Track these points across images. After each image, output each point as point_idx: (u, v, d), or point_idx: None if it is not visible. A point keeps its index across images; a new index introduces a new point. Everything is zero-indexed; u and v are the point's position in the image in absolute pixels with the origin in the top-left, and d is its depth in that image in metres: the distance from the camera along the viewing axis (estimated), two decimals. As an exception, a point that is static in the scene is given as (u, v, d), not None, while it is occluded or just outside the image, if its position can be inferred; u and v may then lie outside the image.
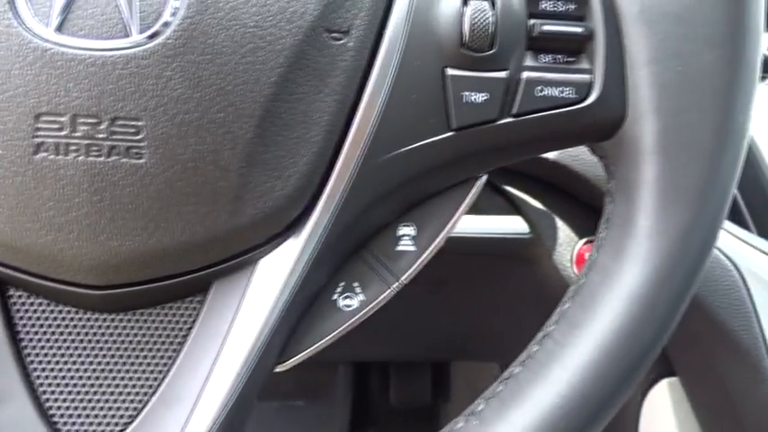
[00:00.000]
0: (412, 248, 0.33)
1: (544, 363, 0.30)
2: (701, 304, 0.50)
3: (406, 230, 0.33)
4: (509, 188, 0.58)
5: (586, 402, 0.29)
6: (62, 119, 0.27)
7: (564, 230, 0.58)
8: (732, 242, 0.50)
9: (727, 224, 0.51)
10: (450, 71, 0.30)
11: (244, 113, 0.28)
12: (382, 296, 0.32)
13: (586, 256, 0.57)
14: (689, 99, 0.29)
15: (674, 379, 0.58)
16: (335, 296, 0.32)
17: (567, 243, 0.58)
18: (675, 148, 0.29)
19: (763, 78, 0.57)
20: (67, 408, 0.30)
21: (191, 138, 0.28)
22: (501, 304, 0.72)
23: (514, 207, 0.58)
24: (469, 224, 0.59)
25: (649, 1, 0.30)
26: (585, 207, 0.58)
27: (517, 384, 0.30)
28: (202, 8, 0.27)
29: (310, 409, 1.27)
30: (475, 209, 0.63)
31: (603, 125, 0.31)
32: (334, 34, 0.29)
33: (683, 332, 0.54)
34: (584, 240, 0.57)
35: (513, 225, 0.59)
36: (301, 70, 0.29)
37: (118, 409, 0.30)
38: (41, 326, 0.30)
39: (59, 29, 0.27)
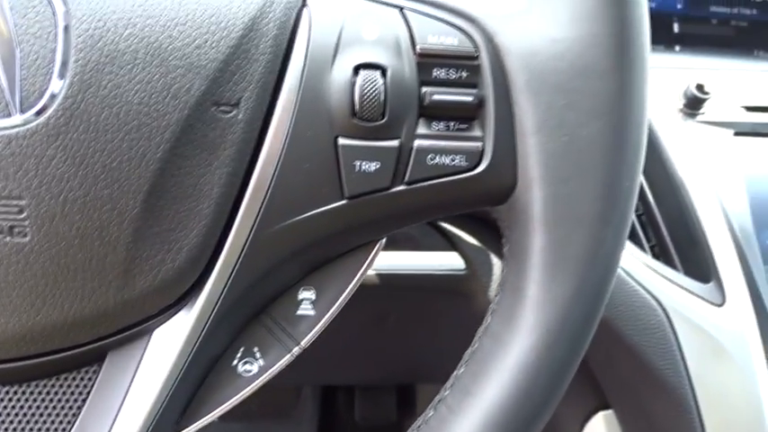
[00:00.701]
0: (311, 312, 0.33)
1: (436, 429, 0.30)
2: (627, 343, 0.50)
3: (306, 294, 0.33)
4: (445, 225, 0.59)
5: None
6: None
7: (499, 266, 0.58)
8: (658, 281, 0.51)
9: (654, 263, 0.52)
10: (342, 141, 0.30)
11: (130, 189, 0.28)
12: (282, 360, 0.33)
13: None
14: (573, 169, 0.30)
15: (609, 411, 0.59)
16: (235, 361, 0.32)
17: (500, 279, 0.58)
18: (561, 217, 0.30)
19: (692, 115, 0.59)
20: None
21: (76, 215, 0.28)
22: (445, 333, 0.72)
23: (451, 243, 0.59)
24: (407, 260, 0.60)
25: (536, 71, 0.30)
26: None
27: None
28: (84, 86, 0.27)
29: (276, 429, 1.26)
30: (412, 245, 0.63)
31: (495, 192, 0.31)
32: (222, 107, 0.29)
33: (613, 369, 0.55)
34: (519, 276, 0.58)
35: (450, 261, 0.59)
36: (189, 144, 0.29)
37: None
38: None
39: None
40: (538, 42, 0.31)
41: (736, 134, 0.57)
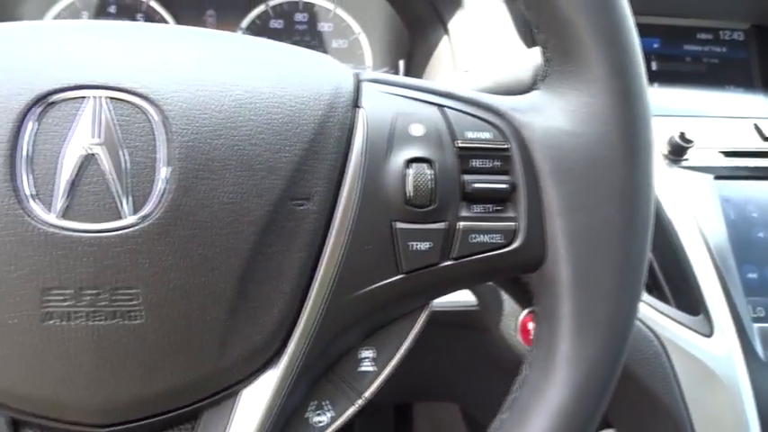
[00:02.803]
0: (372, 369, 0.38)
1: None
2: (628, 371, 0.56)
3: (367, 353, 0.38)
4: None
5: None
6: (67, 291, 0.32)
7: (508, 302, 0.64)
8: (654, 315, 0.57)
9: (649, 299, 0.58)
10: (398, 225, 0.35)
11: (224, 275, 0.33)
12: (348, 412, 0.38)
13: (529, 325, 0.63)
14: (593, 245, 0.35)
15: (611, 431, 0.64)
16: (308, 414, 0.37)
17: (511, 314, 0.64)
18: (584, 287, 0.35)
19: (676, 161, 0.65)
20: None
21: (180, 300, 0.33)
22: (447, 359, 0.78)
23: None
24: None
25: (558, 161, 0.36)
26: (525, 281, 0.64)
27: None
28: (184, 191, 0.32)
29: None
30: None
31: (528, 264, 0.37)
32: (297, 201, 0.34)
33: (615, 394, 0.61)
34: (526, 311, 0.64)
35: (462, 298, 0.65)
36: (271, 234, 0.34)
37: None
38: None
39: (62, 215, 0.32)
40: (558, 136, 0.36)
41: (717, 178, 0.64)
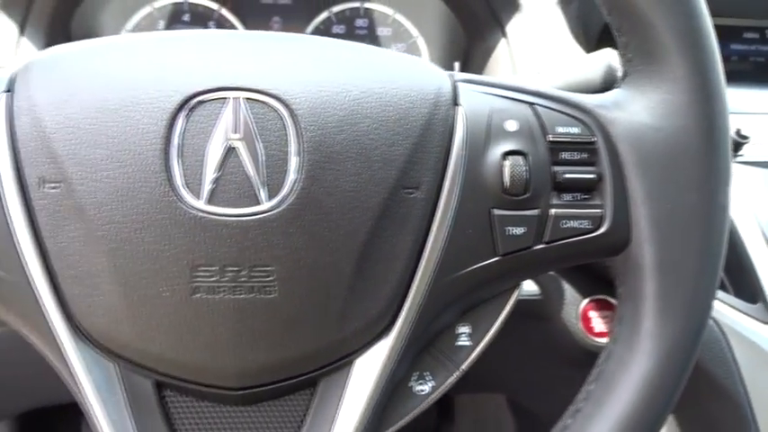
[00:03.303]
0: (468, 343, 0.42)
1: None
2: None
3: (464, 329, 0.42)
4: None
5: None
6: (213, 268, 0.36)
7: (570, 291, 0.67)
8: (714, 303, 0.60)
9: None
10: (496, 211, 0.39)
11: (346, 255, 0.37)
12: (447, 382, 0.42)
13: (590, 314, 0.66)
14: (675, 231, 0.39)
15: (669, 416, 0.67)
16: (411, 383, 0.41)
17: (572, 303, 0.67)
18: (667, 270, 0.39)
19: (733, 157, 0.68)
20: None
21: (308, 277, 0.37)
22: (508, 351, 0.81)
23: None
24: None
25: (642, 154, 0.39)
26: (587, 270, 0.67)
27: None
28: (312, 180, 0.36)
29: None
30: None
31: (613, 247, 0.40)
32: (407, 190, 0.38)
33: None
34: (587, 300, 0.67)
35: (525, 288, 0.68)
36: (385, 219, 0.38)
37: None
38: (191, 417, 0.39)
39: (208, 201, 0.36)
40: (641, 130, 0.40)
41: (772, 172, 0.66)
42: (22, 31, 0.74)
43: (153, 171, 0.35)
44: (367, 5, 0.87)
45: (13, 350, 0.64)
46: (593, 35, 0.89)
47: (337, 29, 0.88)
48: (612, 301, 0.65)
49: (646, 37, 0.40)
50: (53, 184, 0.36)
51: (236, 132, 0.36)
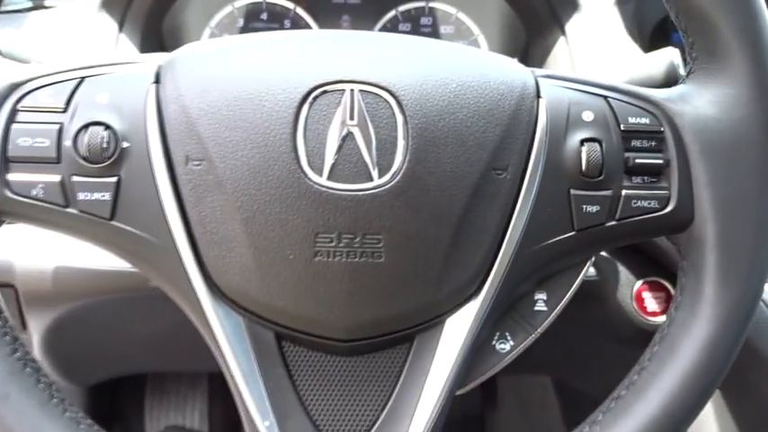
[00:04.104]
0: (544, 309, 0.47)
1: (643, 388, 0.44)
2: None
3: (540, 296, 0.48)
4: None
5: (674, 415, 0.43)
6: (332, 235, 0.42)
7: (624, 273, 0.72)
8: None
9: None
10: (573, 191, 0.45)
11: (443, 227, 0.43)
12: (525, 342, 0.47)
13: (644, 294, 0.71)
14: (736, 211, 0.44)
15: (716, 391, 0.72)
16: (494, 342, 0.47)
17: (626, 284, 0.72)
18: (728, 245, 0.44)
19: None
20: (328, 419, 0.45)
21: (411, 245, 0.43)
22: (558, 333, 0.86)
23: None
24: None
25: (705, 142, 0.44)
26: (641, 252, 0.72)
27: (625, 402, 0.44)
28: (416, 161, 0.42)
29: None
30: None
31: (678, 225, 0.45)
32: (497, 171, 0.44)
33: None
34: (641, 281, 0.72)
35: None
36: (477, 196, 0.43)
37: (360, 419, 0.45)
38: (305, 365, 0.45)
39: (329, 178, 0.42)
40: (706, 122, 0.45)
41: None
42: (120, 28, 0.81)
43: (282, 151, 0.42)
44: (431, 5, 0.93)
45: (95, 323, 0.71)
46: (646, 33, 0.93)
47: (403, 27, 0.93)
48: (665, 282, 0.70)
49: (710, 38, 0.44)
50: (197, 162, 0.42)
51: (352, 119, 0.42)
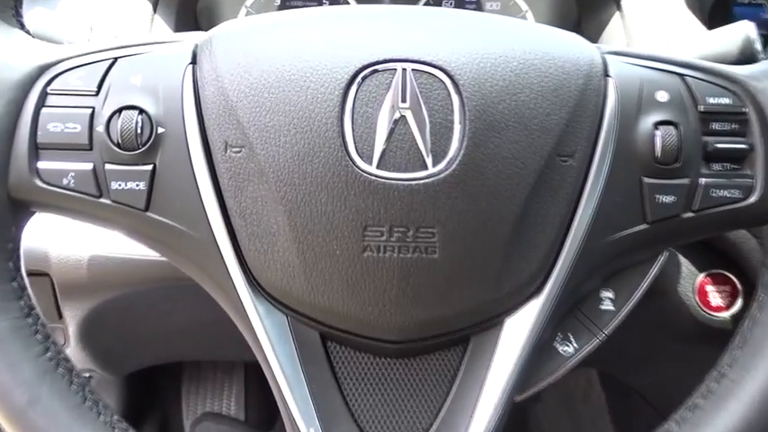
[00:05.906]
0: (612, 308, 0.44)
1: (723, 397, 0.40)
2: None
3: (607, 294, 0.44)
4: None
5: (758, 429, 0.39)
6: (382, 229, 0.39)
7: (686, 265, 0.67)
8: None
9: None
10: (646, 180, 0.40)
11: (504, 219, 0.39)
12: (591, 345, 0.43)
13: (707, 288, 0.67)
14: None
15: None
16: (556, 344, 0.43)
17: (688, 277, 0.67)
18: None
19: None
20: (377, 426, 0.42)
21: (468, 239, 0.39)
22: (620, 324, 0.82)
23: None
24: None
25: None
26: (704, 242, 0.67)
27: (703, 413, 0.41)
28: (474, 148, 0.39)
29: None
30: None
31: (762, 217, 0.41)
32: (562, 158, 0.40)
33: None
34: (703, 274, 0.67)
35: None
36: (541, 185, 0.40)
37: (412, 427, 0.42)
38: (352, 367, 0.42)
39: (379, 166, 0.38)
40: None
41: None
42: (155, 8, 0.78)
43: (328, 137, 0.38)
44: (476, -21, 0.88)
45: (131, 312, 0.69)
46: (706, 8, 0.87)
47: (446, 3, 0.89)
48: (730, 275, 0.65)
49: None
50: (236, 149, 0.39)
51: (404, 102, 0.39)
